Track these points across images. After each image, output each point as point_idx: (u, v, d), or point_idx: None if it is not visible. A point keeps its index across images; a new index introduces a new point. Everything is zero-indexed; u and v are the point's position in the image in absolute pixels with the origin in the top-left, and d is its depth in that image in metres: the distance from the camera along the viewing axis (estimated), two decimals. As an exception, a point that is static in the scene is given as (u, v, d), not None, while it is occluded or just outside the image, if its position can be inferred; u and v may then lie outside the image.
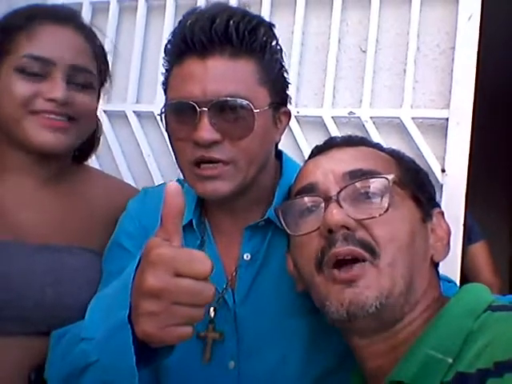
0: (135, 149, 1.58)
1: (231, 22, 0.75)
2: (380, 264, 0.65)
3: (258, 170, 0.82)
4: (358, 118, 1.38)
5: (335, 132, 1.39)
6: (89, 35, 0.96)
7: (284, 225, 0.73)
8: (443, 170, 1.29)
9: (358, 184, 0.68)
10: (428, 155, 1.30)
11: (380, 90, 1.39)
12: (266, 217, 0.85)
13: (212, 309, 0.84)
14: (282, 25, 1.48)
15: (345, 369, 0.82)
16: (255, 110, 0.77)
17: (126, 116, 1.59)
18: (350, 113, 1.39)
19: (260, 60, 0.79)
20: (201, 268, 0.56)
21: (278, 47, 0.83)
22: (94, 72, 0.95)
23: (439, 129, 1.32)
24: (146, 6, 1.63)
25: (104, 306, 0.67)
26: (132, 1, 1.64)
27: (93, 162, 1.56)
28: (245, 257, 0.86)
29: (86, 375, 0.65)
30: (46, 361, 0.81)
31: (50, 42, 0.89)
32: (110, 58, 1.04)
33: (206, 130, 0.75)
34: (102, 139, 1.13)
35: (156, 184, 1.49)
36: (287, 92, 0.86)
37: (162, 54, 1.64)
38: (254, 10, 1.48)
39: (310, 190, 0.71)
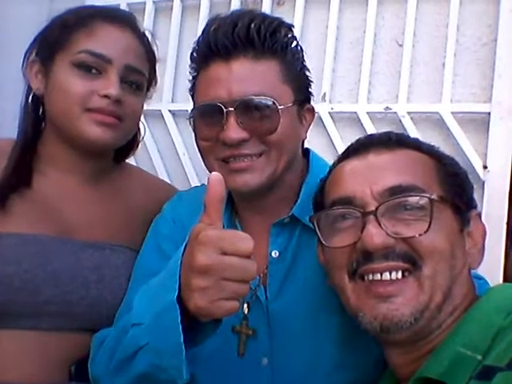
0: (170, 147, 1.61)
1: (252, 25, 0.78)
2: (421, 276, 0.65)
3: (287, 165, 0.83)
4: (395, 113, 1.35)
5: (371, 128, 1.36)
6: (144, 39, 0.99)
7: (319, 235, 0.73)
8: (485, 167, 1.24)
9: (397, 200, 0.68)
10: (469, 151, 1.26)
11: (417, 85, 1.36)
12: (290, 213, 0.86)
13: (246, 305, 0.86)
14: (317, 19, 1.47)
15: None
16: (280, 107, 0.79)
17: (162, 115, 1.62)
18: (386, 108, 1.36)
19: (282, 60, 0.81)
20: (244, 246, 0.61)
21: (299, 47, 0.86)
22: (146, 74, 0.98)
23: (480, 124, 1.28)
24: (181, 6, 1.65)
25: (151, 293, 0.70)
26: (167, 1, 1.66)
27: (130, 159, 1.59)
28: (273, 254, 0.87)
29: (137, 359, 0.69)
30: (89, 360, 0.83)
31: (108, 41, 0.93)
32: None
33: (234, 129, 0.78)
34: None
35: (190, 180, 1.52)
36: (310, 90, 0.89)
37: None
38: (288, 5, 1.50)
39: (347, 202, 0.71)
